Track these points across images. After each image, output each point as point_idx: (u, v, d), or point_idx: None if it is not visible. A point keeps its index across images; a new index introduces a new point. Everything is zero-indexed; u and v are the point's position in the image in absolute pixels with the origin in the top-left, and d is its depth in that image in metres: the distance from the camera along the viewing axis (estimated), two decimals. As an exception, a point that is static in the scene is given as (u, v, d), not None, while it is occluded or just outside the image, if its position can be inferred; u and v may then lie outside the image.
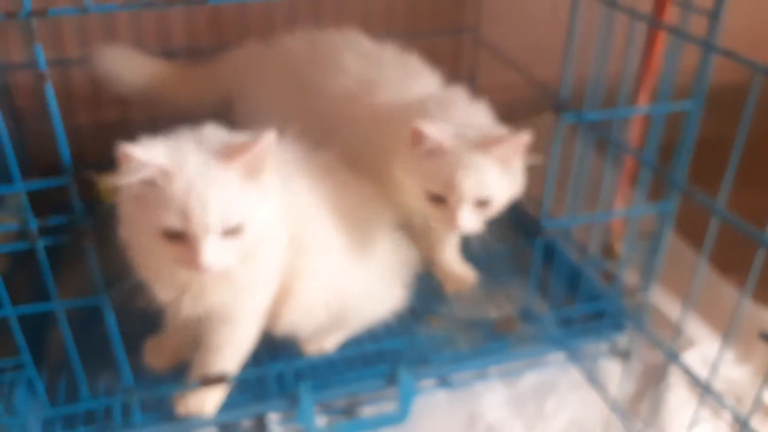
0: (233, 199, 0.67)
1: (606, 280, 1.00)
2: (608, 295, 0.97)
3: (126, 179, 0.65)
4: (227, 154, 0.67)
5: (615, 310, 0.96)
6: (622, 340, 0.97)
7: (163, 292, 0.75)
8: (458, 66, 1.02)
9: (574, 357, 0.97)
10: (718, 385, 0.92)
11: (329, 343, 0.92)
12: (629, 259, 0.90)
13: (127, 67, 1.04)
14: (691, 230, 0.88)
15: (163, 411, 0.83)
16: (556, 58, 1.14)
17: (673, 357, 0.82)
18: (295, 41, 1.03)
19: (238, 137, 0.71)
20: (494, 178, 0.82)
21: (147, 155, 0.65)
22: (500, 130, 0.85)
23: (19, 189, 0.68)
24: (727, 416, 0.87)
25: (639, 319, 0.91)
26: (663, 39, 0.91)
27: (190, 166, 0.65)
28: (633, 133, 0.93)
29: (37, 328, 0.93)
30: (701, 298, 1.02)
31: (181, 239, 0.66)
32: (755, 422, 0.77)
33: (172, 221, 0.65)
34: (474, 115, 0.88)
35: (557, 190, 0.86)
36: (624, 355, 0.97)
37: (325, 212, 0.83)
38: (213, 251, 0.66)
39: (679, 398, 0.90)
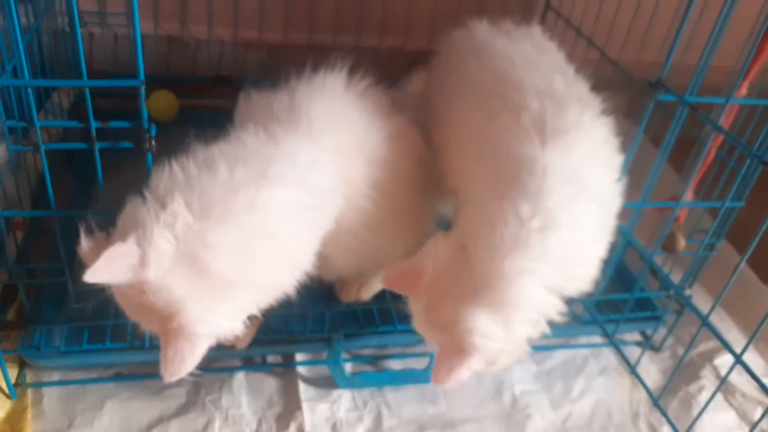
0: None
1: (655, 272, 0.97)
2: (663, 284, 0.94)
3: None
4: None
5: (662, 301, 0.93)
6: (660, 332, 0.96)
7: None
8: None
9: (610, 342, 0.95)
10: (752, 392, 0.91)
11: (366, 294, 0.90)
12: (695, 253, 0.87)
13: None
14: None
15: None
16: (631, 38, 1.09)
17: (737, 358, 0.78)
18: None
19: None
20: None
21: None
22: None
23: (84, 84, 0.64)
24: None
25: (695, 313, 0.87)
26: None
27: None
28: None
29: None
30: (742, 306, 1.00)
31: None
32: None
33: None
34: None
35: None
36: (656, 348, 0.96)
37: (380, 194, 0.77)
38: None
39: (713, 400, 0.88)
